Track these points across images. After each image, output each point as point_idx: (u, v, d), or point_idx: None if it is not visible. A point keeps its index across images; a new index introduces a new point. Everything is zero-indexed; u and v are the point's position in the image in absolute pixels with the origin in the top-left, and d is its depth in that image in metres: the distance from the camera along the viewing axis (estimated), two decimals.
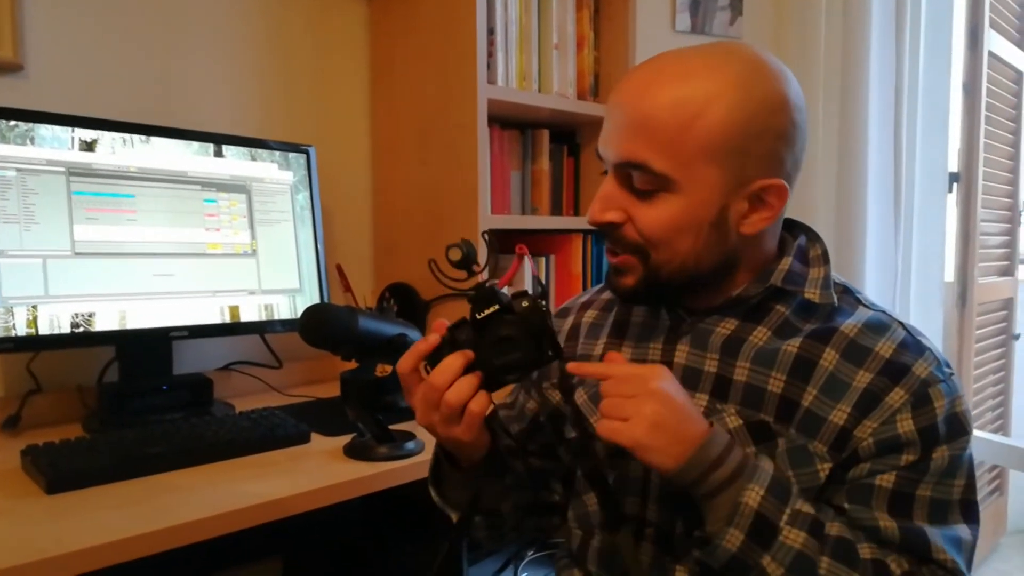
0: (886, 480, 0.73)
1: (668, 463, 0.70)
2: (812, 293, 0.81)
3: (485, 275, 0.83)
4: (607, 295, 0.98)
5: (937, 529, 0.73)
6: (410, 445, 1.18)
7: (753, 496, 0.70)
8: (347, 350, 1.15)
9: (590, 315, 0.98)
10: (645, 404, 0.70)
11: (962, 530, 0.74)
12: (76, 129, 1.26)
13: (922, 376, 0.74)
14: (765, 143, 0.75)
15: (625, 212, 0.79)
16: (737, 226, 0.78)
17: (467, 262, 0.81)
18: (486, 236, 0.81)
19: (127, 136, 1.31)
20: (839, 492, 0.75)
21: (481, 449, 0.84)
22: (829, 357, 0.77)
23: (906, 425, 0.73)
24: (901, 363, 0.75)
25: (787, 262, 0.82)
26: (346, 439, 1.22)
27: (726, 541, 0.70)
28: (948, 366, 0.77)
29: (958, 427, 0.74)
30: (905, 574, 0.71)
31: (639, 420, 0.70)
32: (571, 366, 0.79)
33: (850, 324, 0.78)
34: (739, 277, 0.83)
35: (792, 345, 0.79)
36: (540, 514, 0.97)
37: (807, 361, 0.78)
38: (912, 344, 0.77)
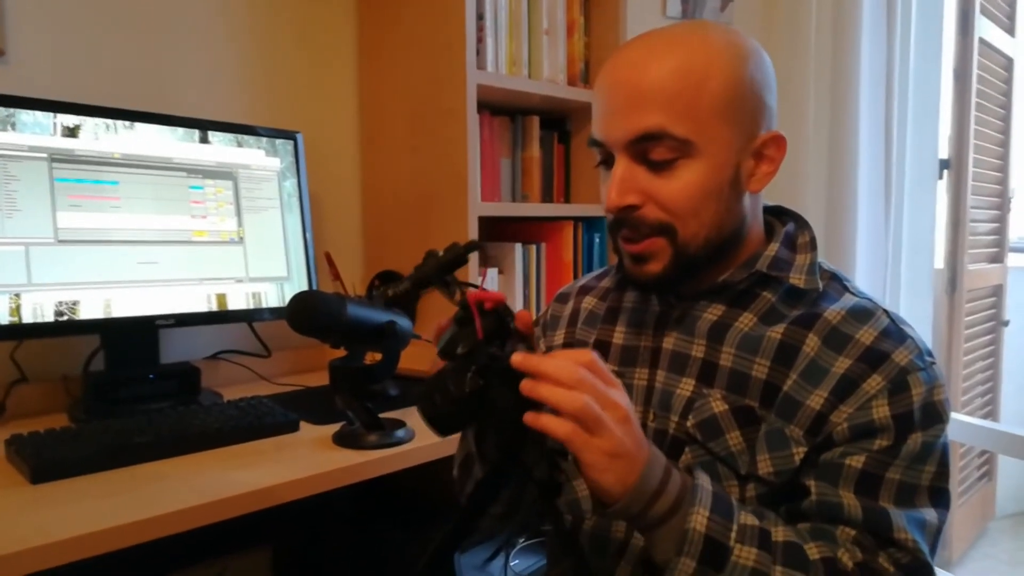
0: (856, 461, 0.73)
1: (616, 491, 0.66)
2: (797, 279, 0.81)
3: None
4: (606, 283, 0.98)
5: (902, 511, 0.72)
6: (400, 433, 1.17)
7: (700, 520, 0.67)
8: (336, 338, 1.14)
9: (588, 301, 0.98)
10: (618, 427, 0.65)
11: (928, 513, 0.74)
12: (58, 115, 1.24)
13: (901, 363, 0.74)
14: (757, 96, 0.78)
15: (643, 193, 0.78)
16: (747, 184, 0.80)
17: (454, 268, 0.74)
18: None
19: (110, 122, 1.29)
20: (808, 472, 0.75)
21: None
22: (811, 343, 0.77)
23: (881, 411, 0.73)
24: (881, 350, 0.75)
25: (773, 248, 0.83)
26: (335, 427, 1.21)
27: (678, 572, 0.67)
28: (930, 355, 0.77)
29: (934, 415, 0.74)
30: (858, 564, 0.70)
31: (607, 440, 0.64)
32: (516, 358, 0.67)
33: (834, 310, 0.79)
34: (727, 263, 0.83)
35: (776, 331, 0.79)
36: (547, 494, 0.96)
37: (790, 347, 0.78)
38: (894, 332, 0.77)
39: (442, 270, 0.74)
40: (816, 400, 0.75)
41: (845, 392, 0.74)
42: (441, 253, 0.74)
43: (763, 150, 0.80)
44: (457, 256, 0.74)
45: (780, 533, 0.70)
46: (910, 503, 0.73)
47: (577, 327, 0.96)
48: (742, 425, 0.78)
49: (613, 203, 0.78)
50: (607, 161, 0.82)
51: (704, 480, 0.71)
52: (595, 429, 0.64)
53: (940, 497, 0.75)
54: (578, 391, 0.64)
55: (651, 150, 0.76)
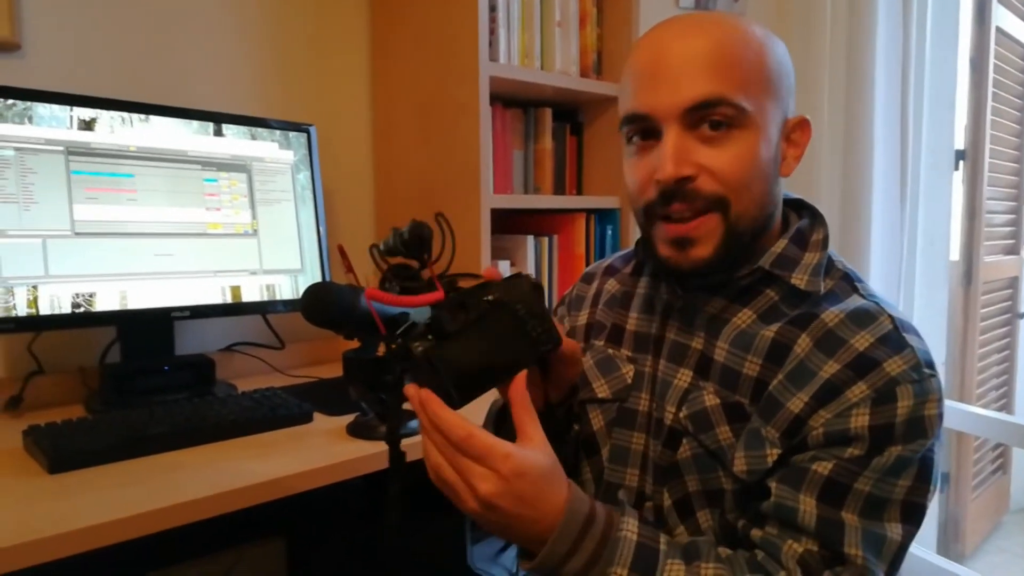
0: (823, 467, 0.71)
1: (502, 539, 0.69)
2: (799, 279, 0.79)
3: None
4: (630, 268, 0.96)
5: (862, 525, 0.70)
6: (413, 424, 1.18)
7: None
8: (349, 329, 1.14)
9: (612, 284, 0.97)
10: (468, 502, 0.66)
11: (892, 529, 0.70)
12: (75, 108, 1.25)
13: (892, 373, 0.71)
14: (790, 77, 0.80)
15: (697, 164, 0.75)
16: (779, 167, 0.80)
17: (420, 248, 0.74)
18: (440, 219, 0.76)
19: (126, 115, 1.30)
20: (776, 474, 0.73)
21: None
22: (803, 344, 0.75)
23: (860, 420, 0.70)
24: (872, 358, 0.71)
25: (781, 244, 0.81)
26: (349, 418, 1.22)
27: None
28: (930, 366, 0.73)
29: (919, 429, 0.70)
30: None
31: (465, 509, 0.67)
32: (409, 389, 0.69)
33: (833, 312, 0.76)
34: (755, 251, 0.82)
35: (770, 330, 0.78)
36: None
37: (782, 346, 0.76)
38: (893, 340, 0.73)
39: (405, 247, 0.75)
40: (796, 403, 0.73)
41: (827, 397, 0.72)
42: (405, 232, 0.75)
43: (791, 134, 0.80)
44: (405, 235, 0.74)
45: (710, 571, 0.69)
46: (877, 517, 0.70)
47: (599, 307, 0.96)
48: (732, 420, 0.77)
49: (669, 174, 0.74)
50: (645, 135, 0.78)
51: (629, 530, 0.69)
52: (452, 497, 0.67)
53: (912, 513, 0.71)
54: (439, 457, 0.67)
55: (706, 118, 0.74)
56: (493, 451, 0.64)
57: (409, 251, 0.73)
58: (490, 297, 0.71)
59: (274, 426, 1.19)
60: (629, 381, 0.87)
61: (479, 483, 0.64)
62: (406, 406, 1.21)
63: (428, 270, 0.74)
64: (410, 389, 0.67)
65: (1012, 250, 2.89)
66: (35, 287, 1.20)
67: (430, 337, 0.69)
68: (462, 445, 0.65)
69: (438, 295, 0.72)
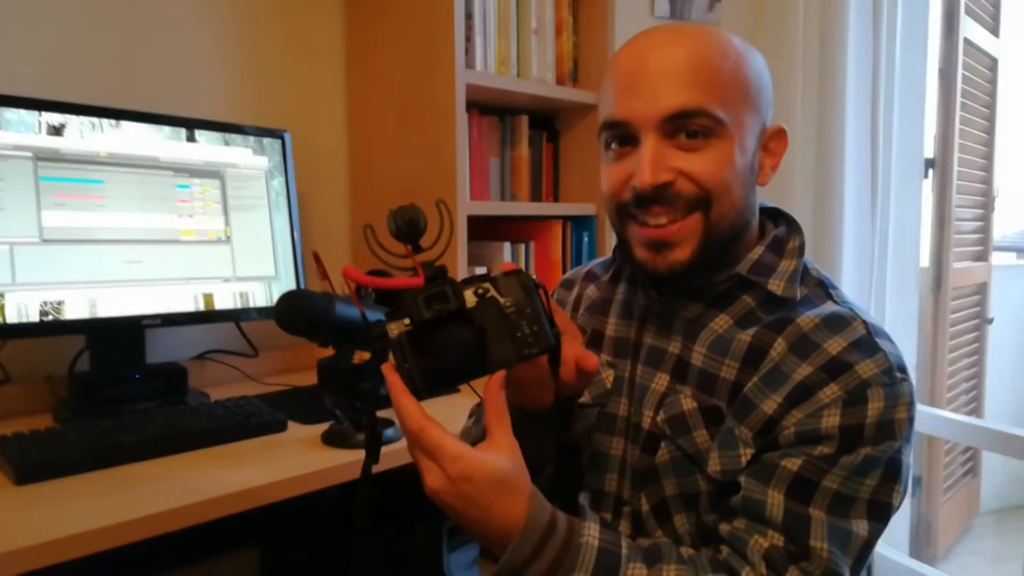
0: (792, 463, 0.72)
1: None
2: (776, 285, 0.80)
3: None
4: (609, 275, 0.97)
5: (828, 520, 0.71)
6: (389, 432, 1.17)
7: None
8: (324, 337, 1.13)
9: (591, 291, 0.97)
10: (425, 485, 0.67)
11: (858, 525, 0.71)
12: (43, 113, 1.23)
13: (864, 376, 0.72)
14: (768, 88, 0.82)
15: (675, 171, 0.76)
16: (755, 176, 0.81)
17: (411, 234, 0.71)
18: (441, 206, 0.75)
19: (96, 120, 1.28)
20: (745, 472, 0.74)
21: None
22: (779, 348, 0.76)
23: (831, 420, 0.71)
24: (845, 361, 0.73)
25: (758, 251, 0.82)
26: (324, 427, 1.20)
27: None
28: (902, 371, 0.74)
29: (888, 431, 0.72)
30: None
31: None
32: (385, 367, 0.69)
33: (808, 317, 0.77)
34: (729, 259, 0.82)
35: (747, 334, 0.79)
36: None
37: (758, 349, 0.77)
38: (866, 344, 0.74)
39: (397, 232, 0.73)
40: (770, 405, 0.74)
41: (799, 398, 0.73)
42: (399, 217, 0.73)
43: (768, 143, 0.82)
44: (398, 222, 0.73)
45: (672, 572, 0.69)
46: (844, 513, 0.71)
47: (579, 313, 0.96)
48: (709, 424, 0.78)
49: (647, 182, 0.75)
50: (623, 141, 0.79)
51: (591, 536, 0.69)
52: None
53: (879, 511, 0.72)
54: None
55: (684, 128, 0.76)
56: (442, 450, 0.65)
57: (400, 236, 0.72)
58: (479, 291, 0.68)
59: (248, 435, 1.18)
60: (609, 386, 0.87)
61: (426, 475, 0.66)
62: (383, 413, 1.21)
63: (411, 259, 0.72)
64: (386, 367, 0.67)
65: (980, 256, 2.94)
66: (2, 295, 1.17)
67: (407, 322, 0.67)
68: (414, 437, 0.66)
69: (417, 280, 0.71)
